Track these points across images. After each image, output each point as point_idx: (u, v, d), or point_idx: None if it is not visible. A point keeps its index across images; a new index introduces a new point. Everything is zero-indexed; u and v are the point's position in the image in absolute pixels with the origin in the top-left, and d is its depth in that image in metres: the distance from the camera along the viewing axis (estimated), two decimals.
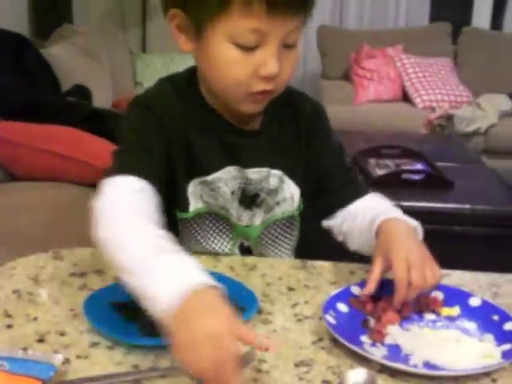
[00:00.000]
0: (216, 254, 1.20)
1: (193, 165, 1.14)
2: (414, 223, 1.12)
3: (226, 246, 1.21)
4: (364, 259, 1.13)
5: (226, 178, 1.15)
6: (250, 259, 1.19)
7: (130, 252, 0.90)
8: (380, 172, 2.88)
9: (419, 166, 2.99)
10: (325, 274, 1.14)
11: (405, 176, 2.83)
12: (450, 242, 2.59)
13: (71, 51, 3.48)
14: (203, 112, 1.15)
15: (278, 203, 1.21)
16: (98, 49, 3.82)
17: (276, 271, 1.14)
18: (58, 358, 0.82)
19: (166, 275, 0.84)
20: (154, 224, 0.95)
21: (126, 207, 0.98)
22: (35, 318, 0.95)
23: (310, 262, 1.18)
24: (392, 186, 2.77)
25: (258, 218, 1.20)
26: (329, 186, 1.24)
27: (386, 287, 1.02)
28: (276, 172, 1.19)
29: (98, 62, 3.72)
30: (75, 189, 2.42)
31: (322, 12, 4.81)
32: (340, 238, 1.24)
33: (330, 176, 1.24)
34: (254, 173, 1.17)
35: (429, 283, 0.99)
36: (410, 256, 0.99)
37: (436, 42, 4.80)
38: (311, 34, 4.71)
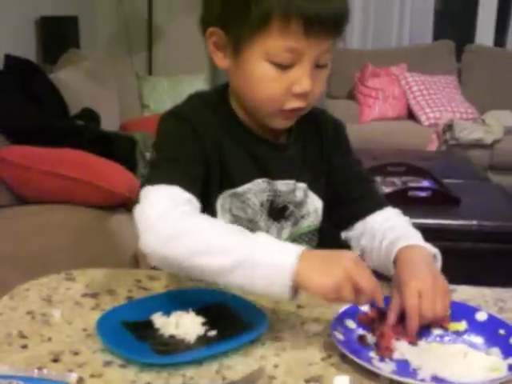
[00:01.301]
0: None
1: (225, 177, 1.16)
2: (434, 250, 1.13)
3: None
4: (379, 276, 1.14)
5: (256, 190, 1.18)
6: None
7: (203, 238, 0.97)
8: (387, 189, 2.90)
9: (426, 183, 3.01)
10: None
11: (411, 193, 2.84)
12: (458, 259, 2.58)
13: (79, 75, 3.51)
14: (234, 125, 1.18)
15: (303, 216, 1.24)
16: (105, 73, 3.86)
17: None
18: (72, 377, 0.84)
19: (269, 243, 0.96)
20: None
21: (182, 211, 1.01)
22: (49, 339, 0.97)
23: None
24: (399, 204, 2.77)
25: (285, 231, 1.23)
26: (348, 198, 1.27)
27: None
28: (301, 185, 1.22)
29: (105, 85, 3.76)
30: (85, 211, 2.44)
31: None
32: (357, 252, 1.25)
33: (349, 188, 1.28)
34: (283, 185, 1.21)
35: (438, 314, 0.99)
36: (421, 286, 1.00)
37: (440, 60, 4.83)
38: None
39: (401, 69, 4.67)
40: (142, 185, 1.07)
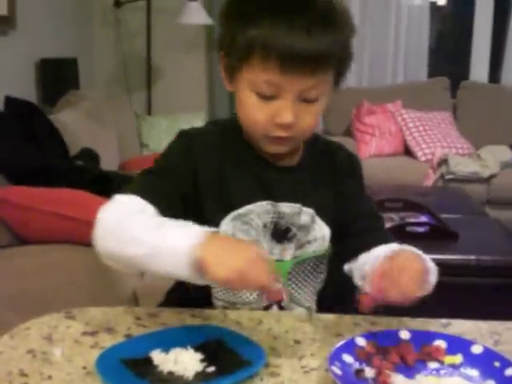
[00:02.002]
0: (225, 308, 1.24)
1: (227, 200, 1.20)
2: (432, 265, 1.14)
3: (253, 292, 1.25)
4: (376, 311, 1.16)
5: (259, 212, 1.21)
6: (256, 313, 1.22)
7: (134, 227, 1.05)
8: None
9: (423, 219, 3.03)
10: (330, 327, 1.16)
11: (409, 229, 2.86)
12: (456, 293, 2.60)
13: (78, 116, 3.56)
14: (241, 148, 1.23)
15: (309, 242, 1.26)
16: (104, 112, 3.90)
17: (282, 325, 1.17)
18: None
19: (179, 229, 1.02)
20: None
21: (127, 216, 1.09)
22: (50, 377, 0.98)
23: (315, 315, 1.21)
24: (397, 239, 2.80)
25: (288, 252, 1.25)
26: (354, 230, 1.28)
27: (390, 338, 1.05)
28: (308, 210, 1.24)
29: (104, 125, 3.80)
30: (84, 250, 2.44)
31: None
32: (359, 283, 1.23)
33: (356, 220, 1.29)
34: (287, 207, 1.23)
35: (402, 287, 0.99)
36: (393, 257, 1.03)
37: (435, 97, 4.88)
38: None
39: (396, 106, 4.72)
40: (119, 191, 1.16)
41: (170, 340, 1.04)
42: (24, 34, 3.54)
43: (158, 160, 1.23)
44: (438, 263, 2.77)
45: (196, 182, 1.20)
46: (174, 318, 1.18)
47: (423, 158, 4.48)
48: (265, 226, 1.23)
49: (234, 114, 1.25)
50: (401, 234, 2.78)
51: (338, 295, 1.32)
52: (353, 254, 1.26)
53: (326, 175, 1.29)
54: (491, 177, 4.28)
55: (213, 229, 1.03)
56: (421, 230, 2.87)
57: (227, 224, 1.20)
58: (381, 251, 1.18)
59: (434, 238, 2.82)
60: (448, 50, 5.65)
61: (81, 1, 4.55)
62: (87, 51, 4.67)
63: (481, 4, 5.00)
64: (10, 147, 2.76)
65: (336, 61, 1.13)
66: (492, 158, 4.36)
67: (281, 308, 1.28)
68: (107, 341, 1.08)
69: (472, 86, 4.93)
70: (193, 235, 1.00)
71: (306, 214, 1.25)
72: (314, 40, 1.06)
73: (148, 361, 1.01)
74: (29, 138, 2.96)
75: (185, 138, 1.23)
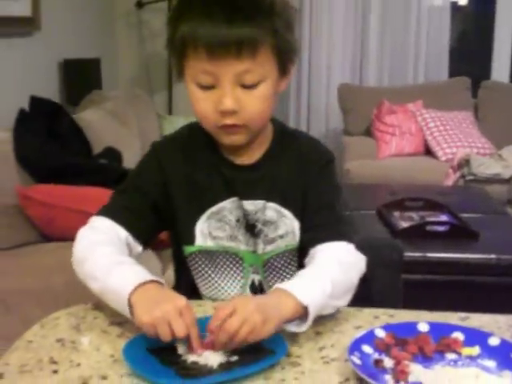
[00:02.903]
0: None
1: (199, 201, 1.28)
2: (305, 302, 1.08)
3: (237, 284, 1.31)
4: (384, 301, 1.18)
5: (231, 208, 1.28)
6: None
7: (93, 263, 1.19)
8: (405, 224, 2.92)
9: (443, 218, 3.03)
10: (350, 319, 1.19)
11: (429, 228, 2.87)
12: (476, 293, 2.61)
13: (101, 116, 3.60)
14: (205, 149, 1.31)
15: (281, 236, 1.30)
16: (127, 112, 3.95)
17: None
18: None
19: (124, 274, 1.13)
20: (120, 250, 1.22)
21: (95, 238, 1.25)
22: (78, 364, 1.02)
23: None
24: (417, 238, 2.82)
25: (260, 247, 1.30)
26: (309, 225, 1.31)
27: (408, 330, 1.08)
28: (272, 205, 1.29)
29: (126, 125, 3.85)
30: None
31: (342, 70, 4.93)
32: None
33: (313, 214, 1.31)
34: (249, 204, 1.29)
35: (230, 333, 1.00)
36: (238, 302, 1.03)
37: (456, 97, 4.87)
38: (333, 91, 4.82)
39: (417, 105, 4.72)
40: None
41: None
42: (48, 35, 3.60)
43: (130, 176, 1.36)
44: (459, 262, 2.79)
45: (167, 191, 1.30)
46: (197, 309, 1.21)
47: (444, 158, 4.47)
48: (237, 220, 1.30)
49: None
50: (421, 233, 2.82)
51: None
52: (306, 249, 1.30)
53: (295, 169, 1.33)
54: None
55: (152, 277, 1.13)
56: (441, 229, 2.87)
57: (203, 224, 1.29)
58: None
59: (454, 237, 2.83)
60: (469, 50, 5.64)
61: (103, 2, 4.61)
62: (110, 52, 4.72)
63: (502, 3, 4.99)
64: (36, 146, 2.81)
65: (269, 48, 1.18)
66: None
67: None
68: (133, 331, 1.11)
69: (493, 86, 4.92)
70: (131, 283, 1.10)
71: (271, 208, 1.30)
72: (234, 28, 1.14)
73: (173, 350, 1.04)
74: (53, 137, 3.01)
75: (154, 152, 1.34)
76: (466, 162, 4.27)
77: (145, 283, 1.10)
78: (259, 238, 1.31)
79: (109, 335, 1.11)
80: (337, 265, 1.20)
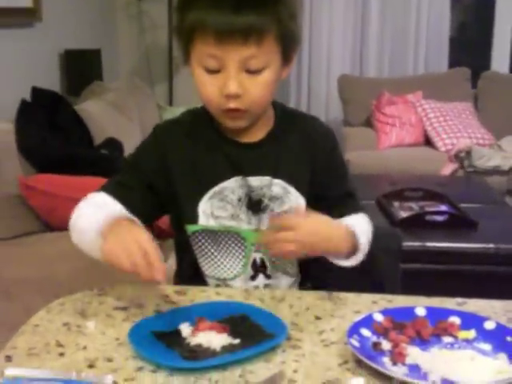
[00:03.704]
0: (217, 286, 1.35)
1: (201, 182, 1.32)
2: (363, 242, 1.29)
3: (238, 263, 1.34)
4: (383, 290, 1.21)
5: (233, 187, 1.32)
6: (278, 292, 1.28)
7: (84, 220, 1.28)
8: (404, 214, 2.94)
9: (443, 208, 3.05)
10: (349, 304, 1.22)
11: (429, 217, 2.89)
12: (475, 282, 2.64)
13: (102, 107, 3.62)
14: (209, 131, 1.35)
15: (286, 212, 1.34)
16: (128, 103, 3.96)
17: (303, 302, 1.22)
18: (108, 379, 0.92)
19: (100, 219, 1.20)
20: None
21: (84, 212, 1.32)
22: (84, 347, 1.04)
23: (334, 294, 1.26)
24: (416, 228, 2.84)
25: (264, 223, 1.34)
26: (326, 203, 1.36)
27: (406, 314, 1.11)
28: (278, 181, 1.34)
29: (127, 115, 3.87)
30: None
31: (342, 61, 4.94)
32: None
33: (329, 193, 1.38)
34: (255, 180, 1.33)
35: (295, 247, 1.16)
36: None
37: (456, 87, 4.89)
38: (333, 82, 4.84)
39: (417, 96, 4.74)
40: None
41: (197, 314, 1.10)
42: (49, 26, 3.62)
43: (129, 156, 1.43)
44: (457, 252, 2.81)
45: (167, 173, 1.34)
46: (200, 295, 1.24)
47: (443, 149, 4.49)
48: (239, 199, 1.34)
49: None
50: (420, 223, 2.84)
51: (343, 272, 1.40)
52: None
53: (300, 148, 1.38)
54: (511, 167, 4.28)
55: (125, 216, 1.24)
56: (440, 218, 2.89)
57: (205, 204, 1.33)
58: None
59: (453, 226, 2.85)
60: (469, 41, 5.65)
61: None
62: (111, 43, 4.74)
63: None
64: (37, 136, 2.83)
65: (273, 36, 1.24)
66: None
67: (267, 276, 1.37)
68: (138, 315, 1.14)
69: (493, 77, 4.93)
70: (102, 223, 1.19)
71: (277, 185, 1.35)
72: (241, 16, 1.19)
73: (177, 333, 1.07)
74: (55, 127, 3.03)
75: (154, 135, 1.39)
76: (466, 154, 4.28)
77: (117, 219, 1.19)
78: (265, 213, 1.34)
79: (114, 319, 1.14)
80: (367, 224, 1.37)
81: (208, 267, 1.36)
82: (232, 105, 1.25)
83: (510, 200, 3.98)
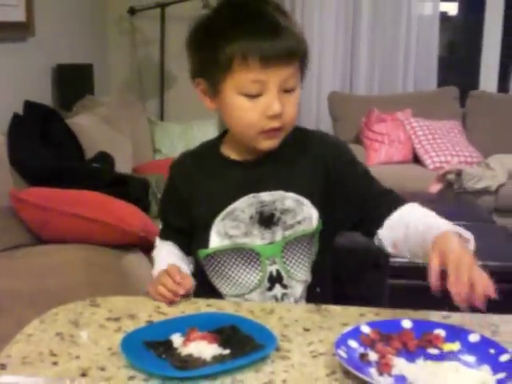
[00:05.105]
0: (237, 300, 1.36)
1: (212, 205, 1.38)
2: (467, 235, 1.27)
3: (255, 278, 1.38)
4: (370, 299, 1.24)
5: (243, 206, 1.37)
6: (267, 305, 1.31)
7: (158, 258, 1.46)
8: None
9: None
10: (337, 317, 1.24)
11: None
12: None
13: (94, 121, 3.64)
14: (219, 161, 1.42)
15: (299, 222, 1.38)
16: (119, 118, 3.98)
17: (292, 314, 1.25)
18: None
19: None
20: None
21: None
22: (77, 356, 1.06)
23: (323, 306, 1.29)
24: None
25: (278, 234, 1.38)
26: (366, 211, 1.39)
27: (392, 326, 1.13)
28: (290, 195, 1.38)
29: (119, 130, 3.88)
30: (101, 250, 2.53)
31: (332, 79, 4.99)
32: (389, 249, 1.37)
33: (364, 202, 1.40)
34: (267, 195, 1.38)
35: (466, 283, 1.10)
36: (444, 248, 1.14)
37: (444, 106, 4.94)
38: (323, 99, 4.88)
39: (406, 114, 4.79)
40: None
41: (188, 325, 1.12)
42: (42, 41, 3.64)
43: (161, 202, 1.61)
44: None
45: (185, 204, 1.43)
46: (191, 307, 1.27)
47: (432, 166, 4.53)
48: (251, 217, 1.38)
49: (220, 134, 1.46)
50: None
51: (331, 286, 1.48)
52: (377, 226, 1.37)
53: (311, 159, 1.41)
54: (499, 186, 4.32)
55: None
56: None
57: (218, 225, 1.38)
58: (413, 221, 1.32)
59: None
60: (458, 60, 5.72)
61: (96, 8, 4.65)
62: (103, 57, 4.77)
63: (490, 14, 5.07)
64: (29, 150, 2.85)
65: (301, 53, 1.33)
66: (500, 167, 4.40)
67: (283, 286, 1.40)
68: (130, 326, 1.16)
69: (481, 96, 4.99)
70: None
71: (290, 198, 1.38)
72: (281, 38, 1.28)
73: (168, 343, 1.09)
74: (47, 141, 3.05)
75: (170, 171, 1.48)
76: (456, 176, 4.31)
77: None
78: (278, 225, 1.38)
79: (106, 330, 1.16)
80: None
81: (225, 287, 1.41)
82: (275, 124, 1.31)
83: (497, 218, 4.02)
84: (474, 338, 1.11)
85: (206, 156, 1.46)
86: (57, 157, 2.99)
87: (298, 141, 1.42)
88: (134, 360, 1.03)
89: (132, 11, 4.79)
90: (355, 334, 1.11)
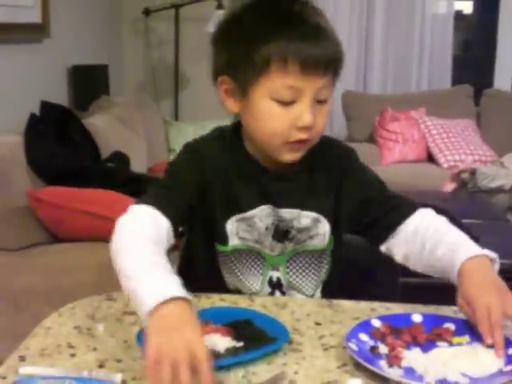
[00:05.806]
0: (250, 294, 1.36)
1: (232, 204, 1.32)
2: (492, 255, 1.23)
3: (257, 280, 1.37)
4: (382, 298, 1.26)
5: (261, 215, 1.32)
6: (280, 299, 1.33)
7: (128, 260, 1.10)
8: None
9: None
10: (348, 312, 1.26)
11: None
12: None
13: (109, 121, 3.68)
14: (244, 160, 1.34)
15: (311, 237, 1.36)
16: (134, 118, 4.02)
17: (304, 309, 1.27)
18: (118, 377, 0.96)
19: (151, 283, 1.02)
20: (156, 245, 1.15)
21: (135, 229, 1.17)
22: (95, 349, 1.09)
23: (334, 301, 1.31)
24: None
25: (288, 248, 1.36)
26: (375, 216, 1.36)
27: (403, 320, 1.15)
28: (308, 213, 1.34)
29: (134, 130, 3.93)
30: None
31: (346, 78, 4.97)
32: (397, 258, 1.36)
33: (373, 206, 1.37)
34: (286, 212, 1.33)
35: (509, 314, 1.10)
36: (489, 302, 1.10)
37: (458, 104, 4.94)
38: (336, 99, 4.89)
39: (420, 113, 4.79)
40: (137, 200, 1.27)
41: (202, 319, 1.14)
42: (57, 42, 3.69)
43: (168, 174, 1.35)
44: None
45: (205, 192, 1.32)
46: (206, 301, 1.29)
47: (446, 165, 4.53)
48: (266, 228, 1.34)
49: (237, 123, 1.37)
50: None
51: (342, 284, 1.44)
52: (387, 233, 1.35)
53: (324, 176, 1.37)
54: None
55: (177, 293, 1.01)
56: None
57: (232, 224, 1.33)
58: (428, 239, 1.30)
59: None
60: (472, 58, 5.71)
61: (111, 9, 4.70)
62: (118, 58, 4.81)
63: (505, 12, 5.06)
64: (46, 150, 2.89)
65: (338, 62, 1.26)
66: None
67: (282, 293, 1.39)
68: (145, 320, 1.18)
69: (495, 94, 4.98)
70: (153, 299, 0.99)
71: (306, 217, 1.35)
72: (322, 46, 1.21)
73: None
74: (63, 141, 3.09)
75: (192, 154, 1.34)
76: (471, 175, 4.30)
77: (164, 302, 0.98)
78: (292, 242, 1.36)
79: (122, 323, 1.19)
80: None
81: (231, 280, 1.38)
82: (303, 136, 1.23)
83: (511, 216, 4.01)
84: None
85: (234, 152, 1.34)
86: (73, 156, 3.03)
87: (313, 154, 1.34)
88: None
89: (147, 12, 4.83)
90: (366, 327, 1.13)
